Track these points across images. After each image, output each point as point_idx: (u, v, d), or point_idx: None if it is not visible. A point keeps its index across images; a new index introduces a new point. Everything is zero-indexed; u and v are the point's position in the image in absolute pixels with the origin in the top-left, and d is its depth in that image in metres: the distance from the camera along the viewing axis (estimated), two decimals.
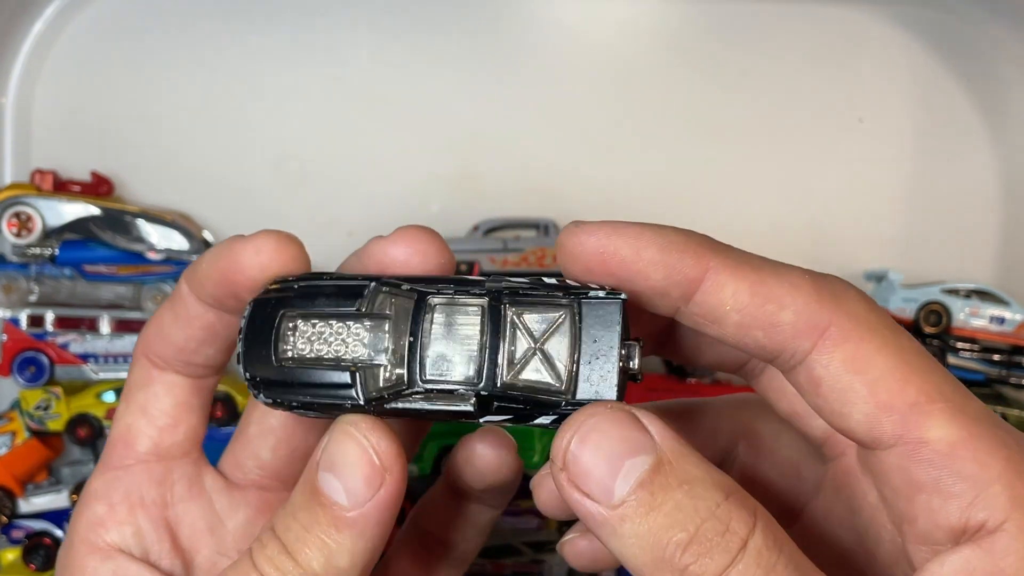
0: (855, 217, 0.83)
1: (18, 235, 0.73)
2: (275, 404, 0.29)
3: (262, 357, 0.28)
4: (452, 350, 0.27)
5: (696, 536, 0.24)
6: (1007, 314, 0.77)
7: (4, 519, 0.74)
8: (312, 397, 0.28)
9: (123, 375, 0.75)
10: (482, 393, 0.27)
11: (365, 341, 0.27)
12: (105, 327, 0.75)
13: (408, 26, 0.80)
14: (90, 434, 0.75)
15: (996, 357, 0.78)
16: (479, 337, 0.27)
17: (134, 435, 0.34)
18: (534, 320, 0.27)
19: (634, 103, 0.82)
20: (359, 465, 0.27)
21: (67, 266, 0.75)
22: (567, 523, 0.38)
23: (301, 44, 0.80)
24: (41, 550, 0.74)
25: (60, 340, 0.75)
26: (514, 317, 0.27)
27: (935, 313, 0.77)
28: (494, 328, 0.27)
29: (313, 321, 0.28)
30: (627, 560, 0.25)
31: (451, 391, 0.27)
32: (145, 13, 0.79)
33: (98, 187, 0.76)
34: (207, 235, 0.78)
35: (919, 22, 0.81)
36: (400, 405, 0.27)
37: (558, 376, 0.27)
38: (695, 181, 0.82)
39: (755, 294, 0.26)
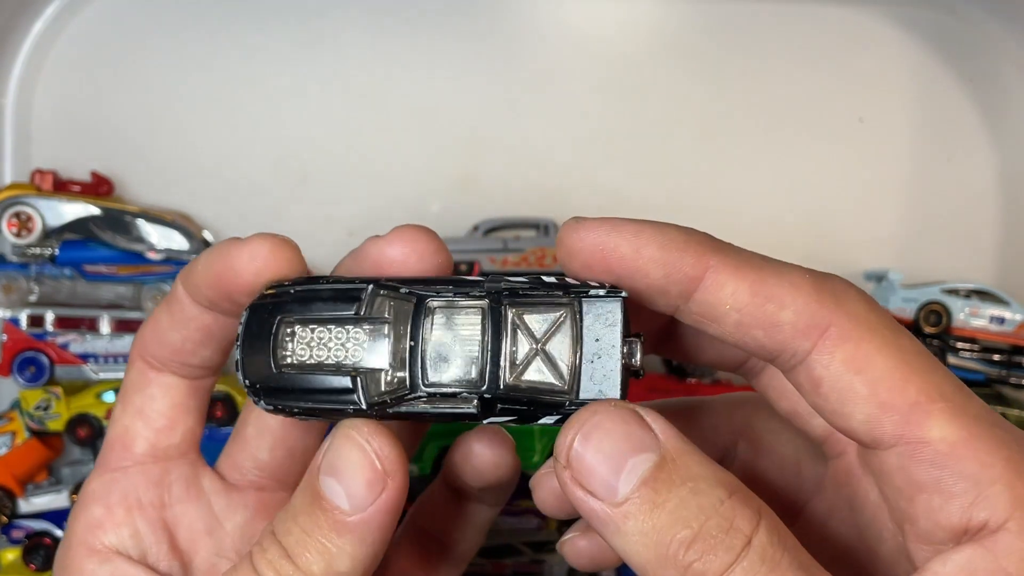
0: (855, 217, 0.83)
1: (18, 235, 0.73)
2: (276, 410, 0.28)
3: (261, 363, 0.28)
4: (453, 353, 0.27)
5: (700, 533, 0.24)
6: (1007, 314, 0.77)
7: (4, 519, 0.74)
8: (313, 403, 0.28)
9: (123, 375, 0.75)
10: (485, 396, 0.27)
11: (365, 345, 0.27)
12: (105, 327, 0.75)
13: (408, 26, 0.80)
14: (90, 434, 0.75)
15: (996, 357, 0.78)
16: (480, 339, 0.27)
17: (131, 437, 0.34)
18: (535, 320, 0.27)
19: (634, 103, 0.82)
20: (361, 469, 0.27)
21: (67, 266, 0.75)
22: (567, 523, 0.38)
23: (301, 44, 0.80)
24: (41, 550, 0.74)
25: (60, 340, 0.75)
26: (515, 318, 0.27)
27: (935, 313, 0.77)
28: (495, 329, 0.27)
29: (312, 326, 0.27)
30: (630, 558, 0.25)
31: (454, 394, 0.27)
32: (145, 13, 0.79)
33: (98, 187, 0.76)
34: (207, 235, 0.78)
35: (919, 22, 0.81)
36: (403, 409, 0.27)
37: (561, 376, 0.27)
38: (695, 181, 0.82)
39: (755, 293, 0.26)
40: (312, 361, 0.27)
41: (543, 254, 0.78)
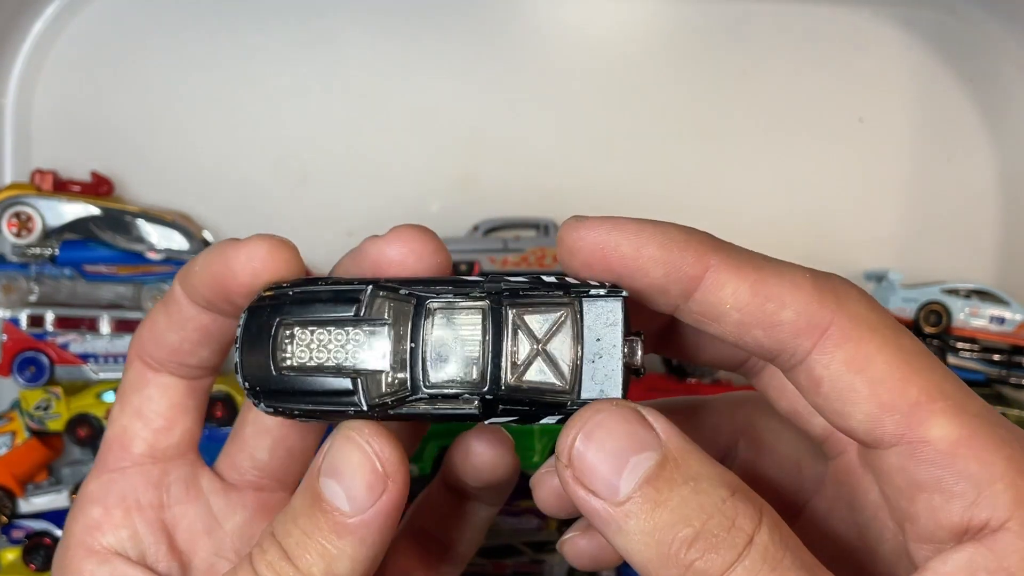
0: (855, 217, 0.83)
1: (18, 235, 0.73)
2: (276, 412, 0.28)
3: (260, 366, 0.28)
4: (454, 354, 0.27)
5: (702, 532, 0.24)
6: (1007, 314, 0.77)
7: (4, 519, 0.74)
8: (314, 405, 0.27)
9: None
10: (487, 397, 0.27)
11: (365, 347, 0.27)
12: (105, 327, 0.75)
13: (408, 26, 0.80)
14: (90, 434, 0.75)
15: (996, 357, 0.78)
16: (481, 340, 0.27)
17: (129, 437, 0.34)
18: (536, 320, 0.27)
19: (634, 103, 0.82)
20: (361, 471, 0.27)
21: (67, 266, 0.75)
22: (567, 523, 0.38)
23: (301, 44, 0.80)
24: (41, 550, 0.74)
25: (60, 340, 0.75)
26: (515, 318, 0.27)
27: (935, 313, 0.77)
28: (496, 330, 0.27)
29: (311, 328, 0.27)
30: (632, 557, 0.25)
31: (456, 395, 0.27)
32: (145, 13, 0.79)
33: (98, 187, 0.76)
34: (207, 235, 0.78)
35: (919, 22, 0.81)
36: (404, 410, 0.27)
37: (562, 376, 0.27)
38: (695, 181, 0.82)
39: (756, 293, 0.26)
40: (312, 363, 0.27)
41: (543, 254, 0.78)
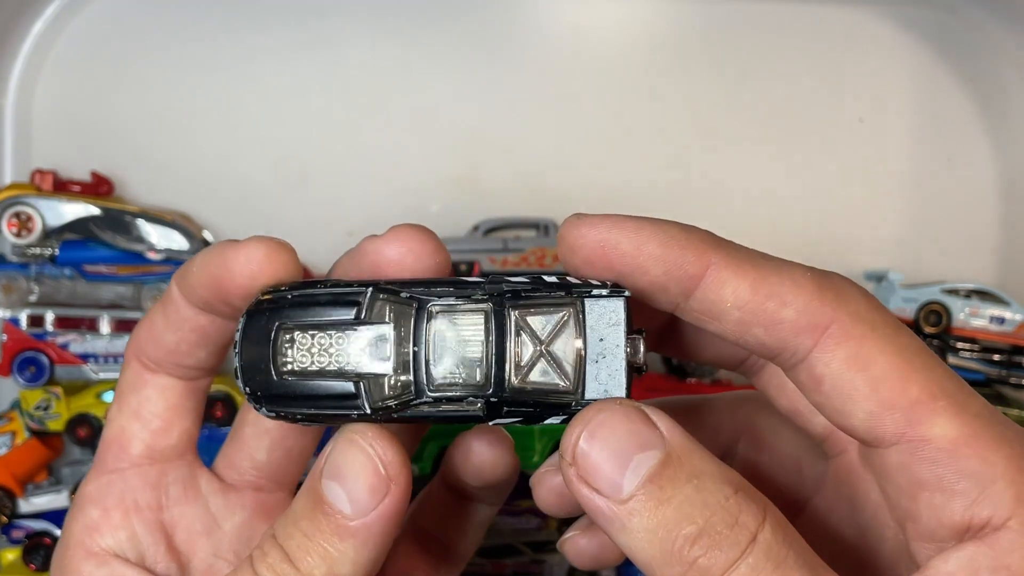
0: (855, 217, 0.83)
1: (18, 235, 0.73)
2: (278, 417, 0.28)
3: (261, 371, 0.27)
4: (457, 356, 0.27)
5: (705, 529, 0.24)
6: (1007, 314, 0.77)
7: (4, 519, 0.74)
8: (317, 409, 0.27)
9: None
10: (491, 399, 0.27)
11: (367, 351, 0.27)
12: (105, 327, 0.75)
13: (408, 26, 0.80)
14: (90, 434, 0.75)
15: (996, 357, 0.78)
16: (484, 342, 0.27)
17: (127, 438, 0.34)
18: (538, 321, 0.27)
19: (634, 103, 0.82)
20: (364, 474, 0.27)
21: (67, 266, 0.75)
22: (567, 522, 0.38)
23: (301, 44, 0.80)
24: (41, 550, 0.74)
25: (60, 340, 0.75)
26: (518, 320, 0.27)
27: (935, 313, 0.77)
28: (499, 332, 0.27)
29: (312, 332, 0.27)
30: (635, 555, 0.25)
31: (460, 398, 0.27)
32: (145, 13, 0.79)
33: (98, 187, 0.76)
34: (207, 235, 0.78)
35: (919, 22, 0.81)
36: (408, 413, 0.27)
37: (566, 376, 0.27)
38: (695, 181, 0.82)
39: (756, 291, 0.26)
40: (313, 367, 0.27)
41: (543, 254, 0.78)
